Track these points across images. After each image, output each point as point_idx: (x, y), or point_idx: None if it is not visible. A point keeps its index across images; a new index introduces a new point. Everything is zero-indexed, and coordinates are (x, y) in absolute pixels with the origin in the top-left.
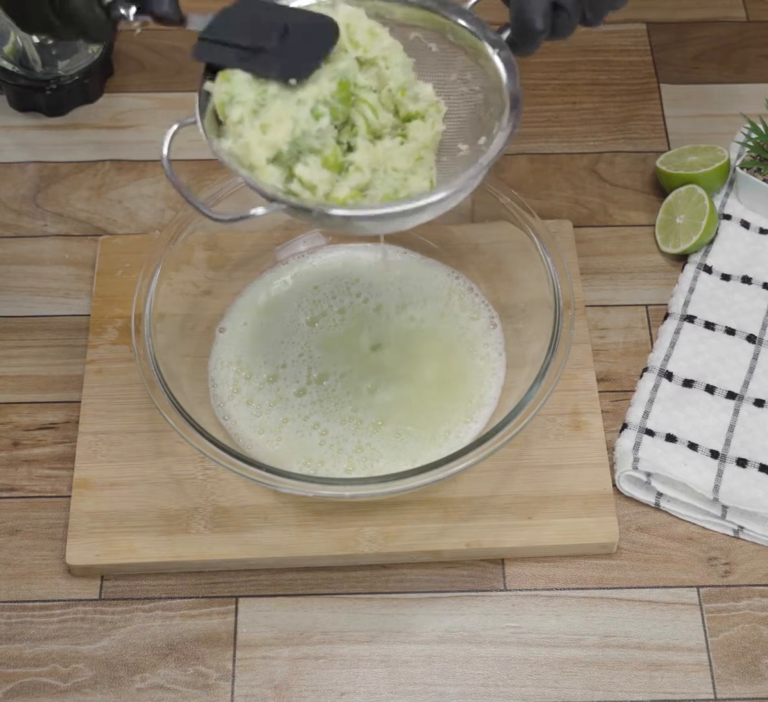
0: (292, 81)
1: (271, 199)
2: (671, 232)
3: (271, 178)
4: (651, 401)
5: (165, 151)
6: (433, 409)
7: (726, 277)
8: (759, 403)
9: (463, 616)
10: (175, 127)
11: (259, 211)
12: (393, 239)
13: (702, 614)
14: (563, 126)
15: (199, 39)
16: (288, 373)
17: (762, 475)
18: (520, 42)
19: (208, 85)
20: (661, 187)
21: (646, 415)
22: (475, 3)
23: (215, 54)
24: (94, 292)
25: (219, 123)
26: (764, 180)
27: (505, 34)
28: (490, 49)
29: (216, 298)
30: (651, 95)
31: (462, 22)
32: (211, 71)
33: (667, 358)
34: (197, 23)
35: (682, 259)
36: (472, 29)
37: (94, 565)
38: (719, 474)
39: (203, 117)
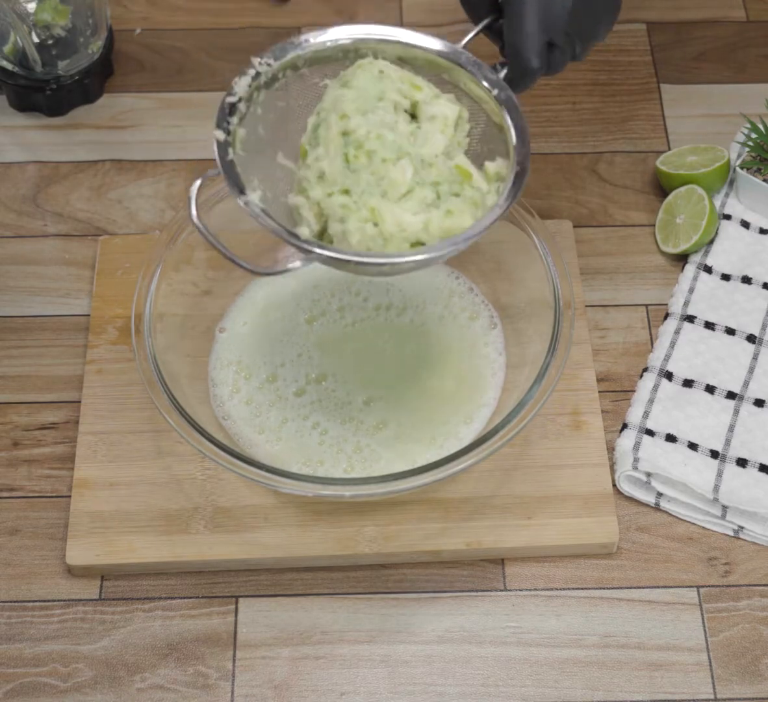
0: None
1: (308, 251)
2: (671, 232)
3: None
4: (651, 401)
5: (194, 212)
6: (433, 410)
7: (726, 277)
8: (759, 403)
9: (463, 616)
10: (198, 182)
11: (297, 264)
12: None
13: (702, 614)
14: (563, 126)
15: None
16: (288, 373)
17: (762, 475)
18: (517, 80)
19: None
20: (661, 187)
21: (646, 415)
22: (468, 41)
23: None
24: (94, 292)
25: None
26: (764, 180)
27: (502, 74)
28: (488, 89)
29: (216, 298)
30: (651, 95)
31: (459, 63)
32: (228, 114)
33: (667, 358)
34: None
35: (682, 259)
36: (470, 70)
37: (94, 565)
38: (719, 474)
39: (226, 169)
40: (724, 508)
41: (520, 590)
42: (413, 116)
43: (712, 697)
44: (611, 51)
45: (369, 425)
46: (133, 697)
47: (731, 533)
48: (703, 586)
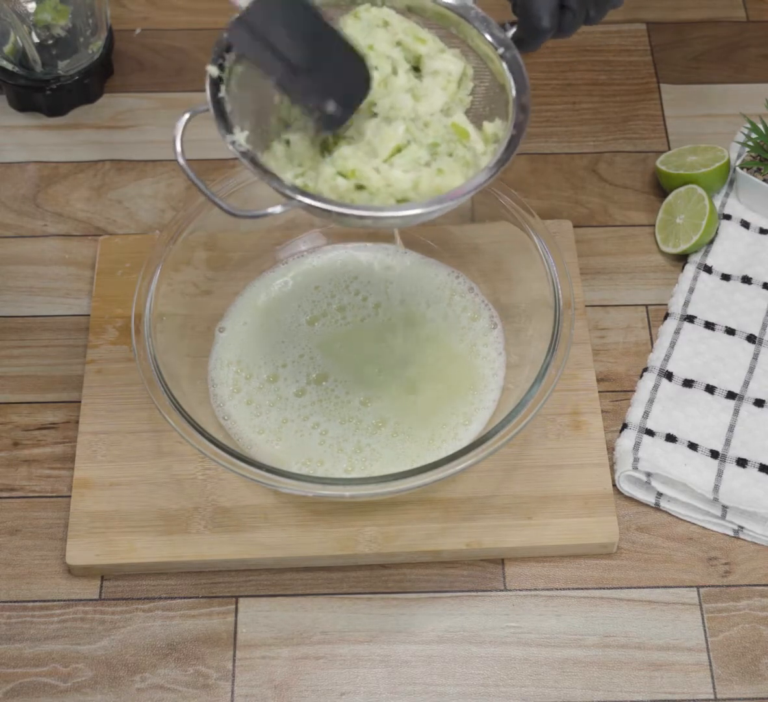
0: (330, 130)
1: (290, 196)
2: (671, 232)
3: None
4: (651, 401)
5: (178, 146)
6: (433, 410)
7: (726, 277)
8: (759, 403)
9: (463, 616)
10: (186, 116)
11: (277, 209)
12: (393, 238)
13: (702, 614)
14: (563, 126)
15: (238, 19)
16: (288, 373)
17: (762, 475)
18: (527, 39)
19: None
20: (661, 187)
21: (646, 415)
22: None
23: (252, 48)
24: (94, 292)
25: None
26: (764, 180)
27: (511, 32)
28: (495, 47)
29: (216, 298)
30: (651, 95)
31: (467, 18)
32: (223, 51)
33: (667, 358)
34: None
35: (682, 259)
36: (477, 26)
37: (94, 565)
38: (719, 474)
39: (215, 106)
40: (724, 508)
41: (520, 590)
42: (417, 70)
43: (712, 697)
44: (611, 51)
45: (369, 425)
46: (133, 697)
47: (731, 533)
48: (703, 586)
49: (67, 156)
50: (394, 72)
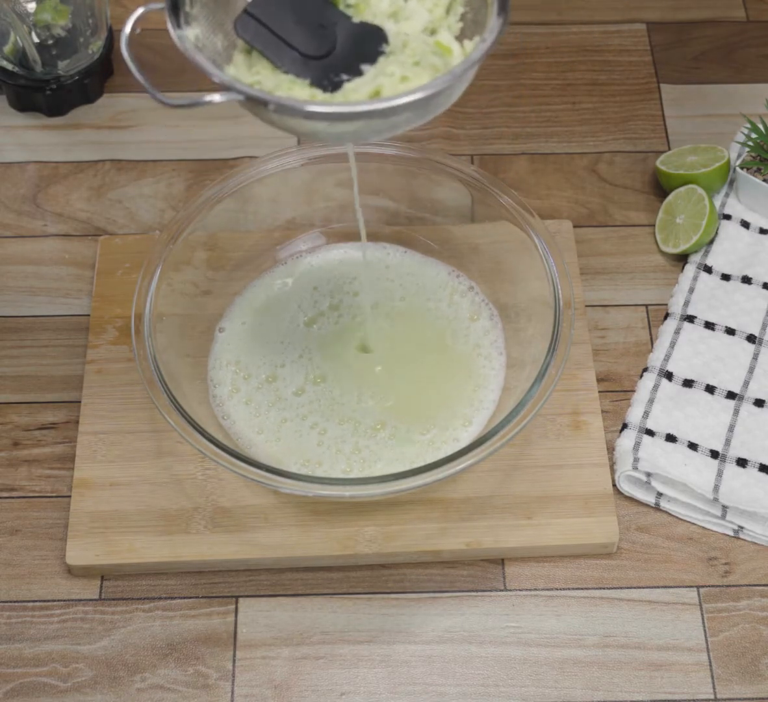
0: (327, 90)
1: (229, 87)
2: (671, 232)
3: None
4: (651, 401)
5: (127, 29)
6: (433, 411)
7: (726, 277)
8: (759, 403)
9: (463, 616)
10: (140, 10)
11: (215, 97)
12: (393, 239)
13: (702, 614)
14: (563, 126)
15: (245, 12)
16: (287, 373)
17: (762, 475)
18: None
19: None
20: (661, 187)
21: (646, 415)
22: None
23: (260, 37)
24: (94, 292)
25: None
26: (764, 180)
27: None
28: None
29: (216, 298)
30: (651, 95)
31: None
32: None
33: (667, 358)
34: None
35: (682, 259)
36: None
37: (94, 565)
38: (719, 474)
39: (171, 4)
40: (724, 508)
41: (520, 590)
42: None
43: (712, 697)
44: (611, 51)
45: (367, 426)
46: (133, 697)
47: (731, 533)
48: (703, 586)
49: (67, 156)
50: None
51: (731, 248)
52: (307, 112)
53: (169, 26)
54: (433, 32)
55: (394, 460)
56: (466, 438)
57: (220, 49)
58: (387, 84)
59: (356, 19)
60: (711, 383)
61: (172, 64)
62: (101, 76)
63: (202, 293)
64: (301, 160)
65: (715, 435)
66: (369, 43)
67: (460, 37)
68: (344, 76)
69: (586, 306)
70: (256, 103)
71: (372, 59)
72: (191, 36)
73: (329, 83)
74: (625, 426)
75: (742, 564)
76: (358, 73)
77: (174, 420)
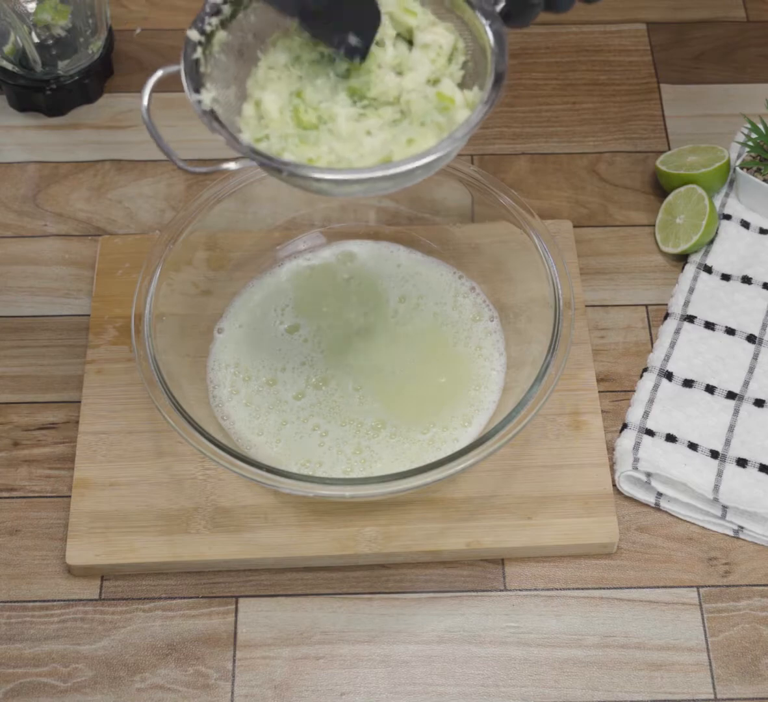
0: (357, 60)
1: (246, 154)
2: (671, 232)
3: (248, 132)
4: (651, 401)
5: (145, 101)
6: (433, 411)
7: (726, 277)
8: (759, 403)
9: (463, 616)
10: (159, 73)
11: (232, 165)
12: (393, 239)
13: (702, 614)
14: (563, 126)
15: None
16: (287, 375)
17: (762, 475)
18: (515, 14)
19: (192, 34)
20: (661, 187)
21: (646, 415)
22: None
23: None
24: (94, 292)
25: (200, 74)
26: (764, 180)
27: (500, 6)
28: (482, 20)
29: (216, 298)
30: (651, 95)
31: None
32: (206, 16)
33: (667, 358)
34: None
35: (682, 259)
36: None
37: (94, 565)
38: (719, 474)
39: (187, 67)
40: (724, 508)
41: (520, 590)
42: (410, 43)
43: (712, 697)
44: (611, 51)
45: (368, 427)
46: (133, 697)
47: (731, 533)
48: (703, 586)
49: (67, 156)
50: (381, 44)
51: (731, 248)
52: (318, 179)
53: (187, 91)
54: (435, 82)
55: (394, 461)
56: (466, 438)
57: (232, 102)
58: (396, 150)
59: None
60: (711, 383)
61: (172, 63)
62: (101, 76)
63: (202, 293)
64: None
65: (715, 435)
66: (366, 10)
67: (461, 86)
68: (358, 42)
69: (586, 306)
70: (270, 170)
71: (374, 25)
72: (207, 99)
73: (345, 49)
74: (625, 426)
75: (742, 564)
76: (369, 40)
77: (174, 420)
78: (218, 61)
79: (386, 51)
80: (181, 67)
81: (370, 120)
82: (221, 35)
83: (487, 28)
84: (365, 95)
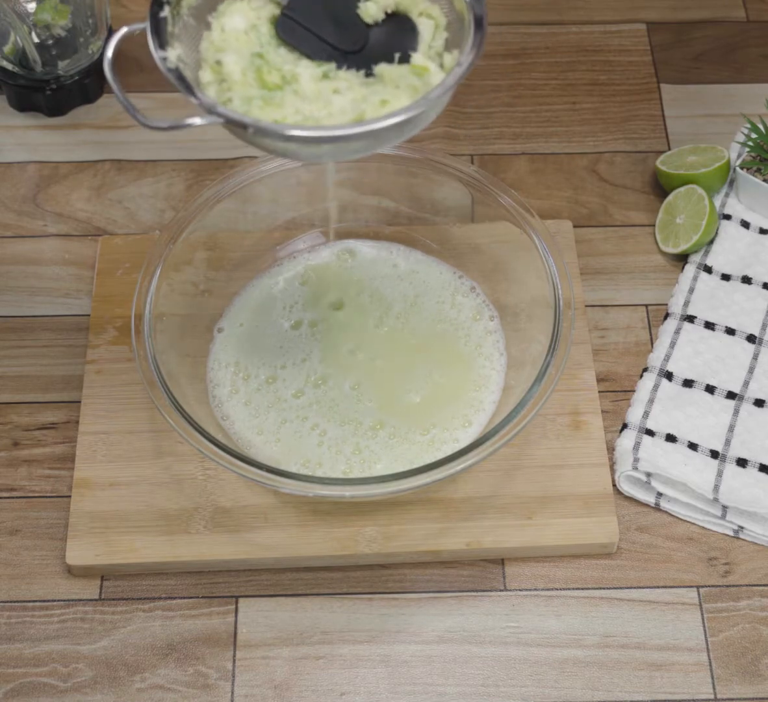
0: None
1: (210, 110)
2: (671, 232)
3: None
4: (651, 401)
5: (110, 53)
6: (433, 412)
7: (726, 277)
8: (759, 403)
9: (463, 616)
10: (123, 30)
11: (196, 120)
12: (393, 239)
13: (702, 614)
14: (563, 126)
15: (283, 14)
16: (286, 374)
17: (762, 475)
18: None
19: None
20: (661, 187)
21: (646, 415)
22: None
23: (300, 38)
24: (94, 292)
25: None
26: (764, 180)
27: None
28: None
29: (215, 298)
30: (651, 95)
31: None
32: None
33: (667, 358)
34: None
35: (682, 259)
36: None
37: (94, 565)
38: (719, 474)
39: (153, 25)
40: (724, 508)
41: (520, 590)
42: (387, 14)
43: (712, 697)
44: (611, 51)
45: (368, 427)
46: (133, 697)
47: (731, 533)
48: (703, 586)
49: (67, 156)
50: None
51: (731, 248)
52: (286, 137)
53: (151, 48)
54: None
55: (394, 461)
56: (466, 438)
57: (194, 66)
58: (369, 110)
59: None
60: (711, 383)
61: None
62: (101, 76)
63: (201, 293)
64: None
65: (715, 435)
66: (400, 34)
67: (440, 53)
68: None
69: (586, 306)
70: (235, 126)
71: (406, 50)
72: (173, 57)
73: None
74: (625, 426)
75: (742, 564)
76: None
77: (174, 420)
78: (186, 23)
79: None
80: (147, 25)
81: (338, 80)
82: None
83: None
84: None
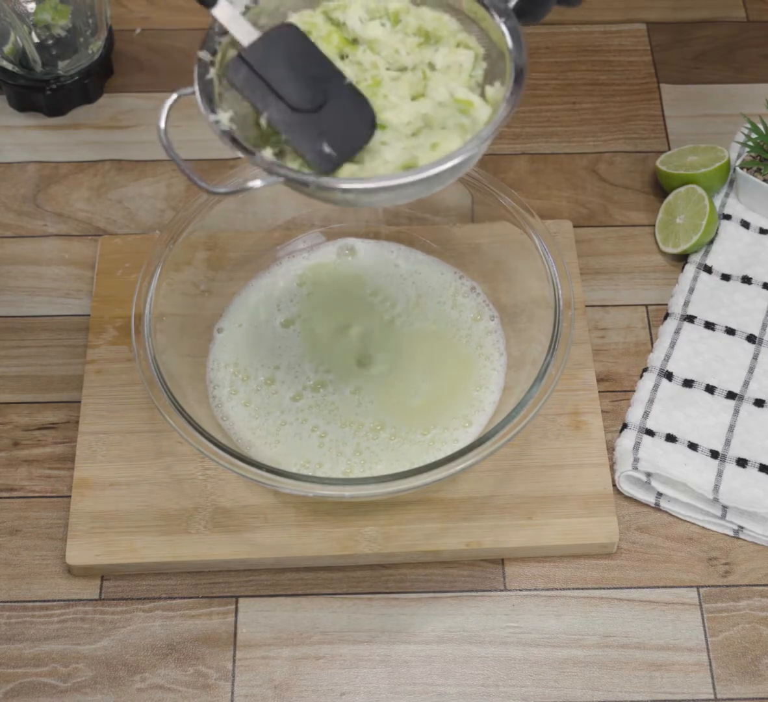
0: (321, 176)
1: (270, 171)
2: (671, 232)
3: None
4: (651, 401)
5: (162, 124)
6: (434, 412)
7: (726, 277)
8: (759, 403)
9: (463, 616)
10: (174, 96)
11: (257, 183)
12: (393, 239)
13: (702, 614)
14: (563, 126)
15: (238, 56)
16: (286, 375)
17: (762, 475)
18: (528, 10)
19: (203, 55)
20: (661, 187)
21: (646, 415)
22: None
23: (252, 87)
24: (94, 292)
25: (217, 95)
26: (764, 180)
27: (513, 2)
28: (496, 18)
29: (216, 298)
30: (651, 95)
31: None
32: (217, 35)
33: (667, 358)
34: (225, 12)
35: (682, 259)
36: None
37: (94, 565)
38: (719, 474)
39: (202, 88)
40: (724, 508)
41: (520, 590)
42: (429, 37)
43: (712, 697)
44: (611, 51)
45: (368, 428)
46: (133, 697)
47: (731, 533)
48: (703, 586)
49: (67, 156)
50: (401, 69)
51: (731, 248)
52: (346, 190)
53: (203, 111)
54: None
55: (394, 461)
56: (466, 438)
57: (247, 115)
58: (421, 155)
59: (348, 81)
60: (711, 383)
61: (173, 64)
62: (101, 76)
63: (201, 293)
64: None
65: (715, 435)
66: (356, 112)
67: (479, 86)
68: (332, 153)
69: (586, 306)
70: (296, 184)
71: (361, 140)
72: (225, 119)
73: (321, 159)
74: (625, 426)
75: (742, 564)
76: (346, 156)
77: (174, 420)
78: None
79: (400, 84)
80: (196, 88)
81: (385, 134)
82: (232, 53)
83: (503, 26)
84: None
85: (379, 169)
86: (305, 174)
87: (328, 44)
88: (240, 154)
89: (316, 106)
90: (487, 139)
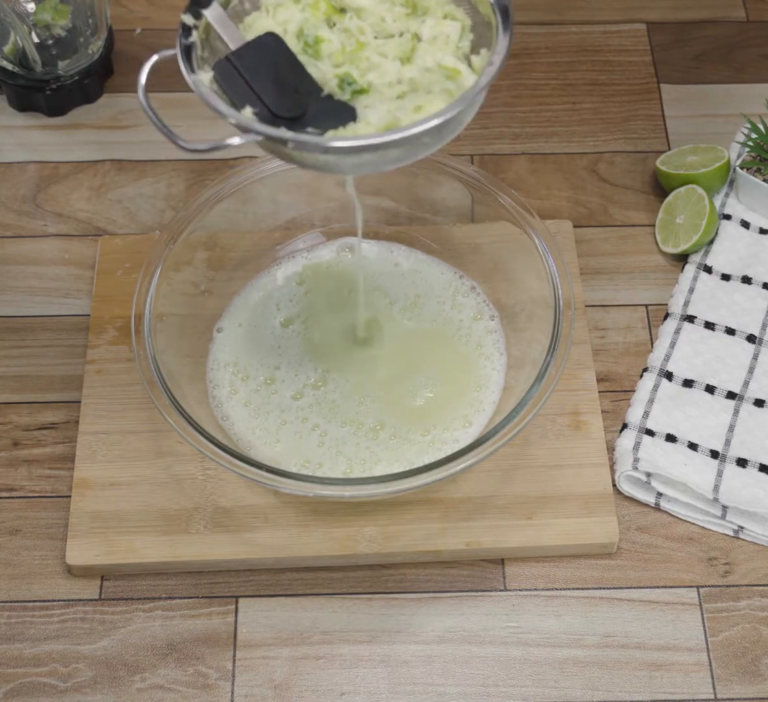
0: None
1: (247, 128)
2: (671, 232)
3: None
4: (651, 401)
5: (143, 80)
6: (434, 412)
7: (726, 277)
8: (759, 403)
9: (463, 616)
10: (154, 58)
11: (235, 140)
12: (393, 239)
13: (702, 614)
14: (563, 126)
15: (226, 58)
16: (285, 375)
17: (762, 475)
18: None
19: (186, 18)
20: (661, 187)
21: (646, 415)
22: None
23: (235, 87)
24: (94, 292)
25: (198, 57)
26: (764, 180)
27: None
28: None
29: (216, 298)
30: (651, 95)
31: None
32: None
33: (667, 358)
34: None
35: (682, 259)
36: None
37: (94, 565)
38: (719, 474)
39: (183, 50)
40: (724, 508)
41: (520, 590)
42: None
43: (712, 697)
44: (611, 51)
45: (368, 427)
46: (133, 697)
47: (731, 533)
48: (703, 586)
49: (67, 156)
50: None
51: (731, 248)
52: (326, 148)
53: (183, 71)
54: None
55: (394, 462)
56: (466, 438)
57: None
58: (404, 117)
59: (325, 94)
60: (711, 383)
61: (173, 64)
62: (101, 76)
63: (201, 293)
64: None
65: (715, 435)
66: (338, 118)
67: (467, 55)
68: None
69: (586, 306)
70: (274, 142)
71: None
72: (205, 79)
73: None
74: (625, 426)
75: (742, 564)
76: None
77: (174, 420)
78: (214, 47)
79: (388, 43)
80: (178, 50)
81: (370, 97)
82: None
83: None
84: (358, 84)
85: (361, 131)
86: (283, 132)
87: (316, 11)
88: (220, 110)
89: (295, 115)
90: (471, 101)
